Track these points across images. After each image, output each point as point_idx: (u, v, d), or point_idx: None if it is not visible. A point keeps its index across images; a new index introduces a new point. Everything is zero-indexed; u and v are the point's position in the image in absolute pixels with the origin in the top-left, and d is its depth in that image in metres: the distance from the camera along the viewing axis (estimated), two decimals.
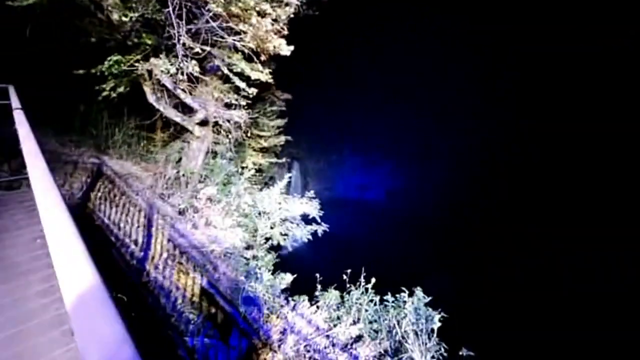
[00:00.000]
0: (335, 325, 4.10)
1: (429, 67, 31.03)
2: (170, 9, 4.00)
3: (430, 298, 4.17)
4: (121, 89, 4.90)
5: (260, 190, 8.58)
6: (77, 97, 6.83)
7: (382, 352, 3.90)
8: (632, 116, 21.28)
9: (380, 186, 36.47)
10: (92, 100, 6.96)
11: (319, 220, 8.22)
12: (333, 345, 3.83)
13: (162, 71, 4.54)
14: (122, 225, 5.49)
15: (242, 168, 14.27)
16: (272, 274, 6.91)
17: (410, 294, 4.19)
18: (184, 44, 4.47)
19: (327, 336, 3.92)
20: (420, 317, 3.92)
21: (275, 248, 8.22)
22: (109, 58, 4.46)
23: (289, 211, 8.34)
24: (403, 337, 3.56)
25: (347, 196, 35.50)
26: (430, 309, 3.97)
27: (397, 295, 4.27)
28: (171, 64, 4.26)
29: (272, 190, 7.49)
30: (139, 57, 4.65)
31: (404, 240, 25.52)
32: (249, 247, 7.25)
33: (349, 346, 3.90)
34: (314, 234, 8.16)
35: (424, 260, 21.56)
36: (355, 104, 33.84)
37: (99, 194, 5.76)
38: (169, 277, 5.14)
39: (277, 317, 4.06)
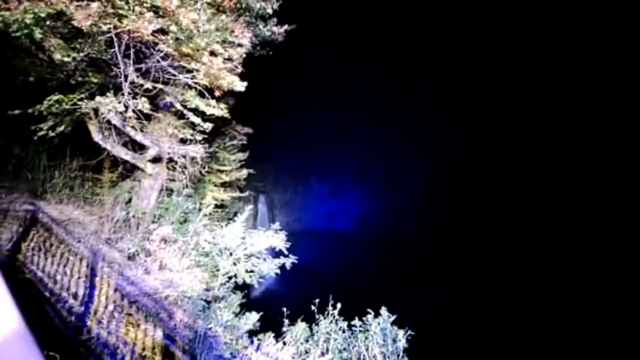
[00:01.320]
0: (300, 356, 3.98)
1: (396, 92, 33.21)
2: (117, 49, 4.10)
3: (395, 316, 4.27)
4: (61, 128, 4.71)
5: (225, 226, 8.34)
6: (11, 139, 6.36)
7: None
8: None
9: (349, 212, 36.89)
10: (28, 142, 6.51)
11: (287, 253, 8.11)
12: None
13: (109, 109, 4.49)
14: (58, 277, 4.95)
15: (202, 205, 13.81)
16: (238, 314, 6.56)
17: (377, 315, 4.25)
18: (132, 82, 4.51)
19: None
20: (387, 337, 3.97)
21: (242, 287, 7.86)
22: (49, 97, 4.32)
23: (254, 246, 8.15)
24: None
25: (316, 226, 35.31)
26: (396, 328, 4.04)
27: (364, 319, 4.30)
28: (119, 102, 4.25)
29: (234, 225, 7.32)
30: (83, 95, 4.57)
31: (376, 264, 25.66)
32: (209, 289, 6.86)
33: None
34: (284, 268, 7.99)
35: (397, 282, 21.73)
36: (321, 132, 34.60)
37: (32, 245, 5.20)
38: (115, 332, 4.66)
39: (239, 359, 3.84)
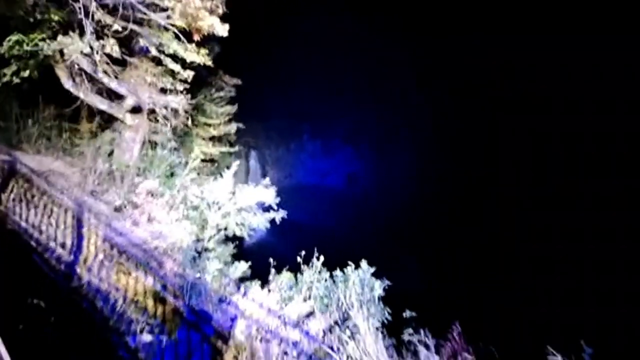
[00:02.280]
0: (286, 305, 4.29)
1: (391, 55, 31.56)
2: None
3: (374, 269, 4.54)
4: (26, 74, 4.35)
5: (214, 180, 8.33)
6: None
7: (332, 323, 4.19)
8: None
9: (340, 171, 37.25)
10: None
11: (276, 208, 8.27)
12: (285, 323, 4.02)
13: (74, 52, 4.11)
14: (44, 228, 5.00)
15: (189, 159, 13.64)
16: (227, 264, 6.87)
17: (357, 267, 4.51)
18: (98, 22, 4.07)
19: (279, 316, 4.09)
20: (365, 286, 4.27)
21: (234, 239, 8.12)
22: (8, 38, 3.90)
23: (244, 200, 8.25)
24: (349, 307, 3.87)
25: (307, 182, 35.76)
26: (374, 279, 4.33)
27: (345, 270, 4.57)
28: (83, 43, 3.88)
29: (222, 180, 7.32)
30: (44, 35, 4.14)
31: (363, 222, 26.67)
32: (199, 240, 7.07)
33: (300, 323, 4.12)
34: (275, 223, 8.18)
35: (383, 242, 22.86)
36: (314, 90, 33.41)
37: (12, 196, 5.14)
38: (107, 278, 4.86)
39: (228, 305, 4.12)
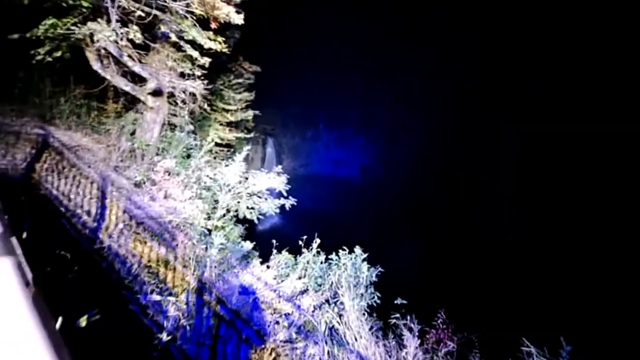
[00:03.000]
0: (283, 281, 4.61)
1: (403, 49, 31.08)
2: None
3: (367, 254, 4.77)
4: (58, 54, 4.77)
5: (226, 165, 8.73)
6: (15, 64, 6.44)
7: (323, 301, 4.48)
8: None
9: (354, 161, 37.25)
10: (31, 68, 6.60)
11: (286, 194, 8.60)
12: (279, 297, 4.34)
13: (105, 36, 4.47)
14: (72, 196, 5.53)
15: (205, 142, 14.19)
16: (234, 242, 7.28)
17: (351, 252, 4.76)
18: (123, 8, 4.39)
19: (275, 290, 4.42)
20: (357, 271, 4.51)
21: (245, 222, 8.54)
22: (43, 22, 4.30)
23: (256, 185, 8.62)
24: (338, 287, 4.13)
25: (322, 171, 36.05)
26: (366, 264, 4.56)
27: (339, 254, 4.83)
28: (110, 30, 4.21)
29: (233, 164, 7.68)
30: (76, 20, 4.52)
31: (374, 213, 26.76)
32: (209, 218, 7.51)
33: (294, 298, 4.43)
34: (288, 210, 8.48)
35: (392, 231, 22.95)
36: (329, 80, 33.44)
37: (46, 166, 5.69)
38: (125, 245, 5.35)
39: (227, 275, 4.48)
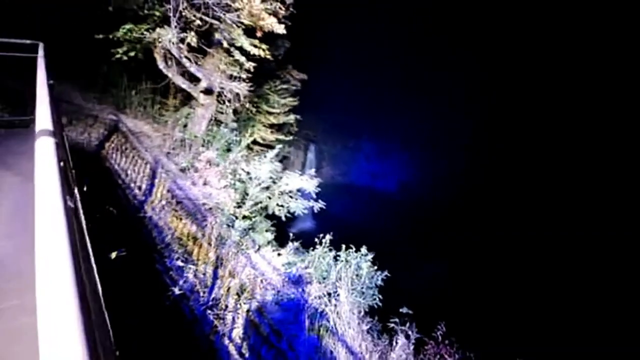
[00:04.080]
0: (289, 268, 4.93)
1: (446, 62, 30.13)
2: None
3: (373, 254, 4.89)
4: (132, 54, 5.76)
5: (258, 161, 9.41)
6: (100, 58, 7.82)
7: (326, 293, 4.69)
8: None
9: (392, 176, 36.51)
10: (113, 63, 7.94)
11: (316, 197, 9.02)
12: (284, 280, 4.67)
13: (168, 40, 5.32)
14: (129, 172, 6.52)
15: (251, 142, 15.19)
16: (256, 231, 7.80)
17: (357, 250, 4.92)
18: (184, 17, 5.21)
19: (280, 274, 4.76)
20: (361, 269, 4.66)
21: (280, 224, 9.10)
22: (123, 26, 5.28)
23: (288, 185, 9.16)
24: (337, 280, 4.33)
25: (360, 182, 35.94)
26: (374, 267, 4.69)
27: (346, 252, 5.01)
28: (173, 35, 5.03)
29: (264, 160, 8.29)
30: (149, 26, 5.45)
31: (408, 229, 25.93)
32: (239, 207, 8.16)
33: (300, 284, 4.72)
34: (324, 216, 8.82)
35: (427, 250, 22.08)
36: (377, 94, 33.51)
37: (113, 145, 6.79)
38: (164, 218, 6.14)
39: (241, 255, 4.94)
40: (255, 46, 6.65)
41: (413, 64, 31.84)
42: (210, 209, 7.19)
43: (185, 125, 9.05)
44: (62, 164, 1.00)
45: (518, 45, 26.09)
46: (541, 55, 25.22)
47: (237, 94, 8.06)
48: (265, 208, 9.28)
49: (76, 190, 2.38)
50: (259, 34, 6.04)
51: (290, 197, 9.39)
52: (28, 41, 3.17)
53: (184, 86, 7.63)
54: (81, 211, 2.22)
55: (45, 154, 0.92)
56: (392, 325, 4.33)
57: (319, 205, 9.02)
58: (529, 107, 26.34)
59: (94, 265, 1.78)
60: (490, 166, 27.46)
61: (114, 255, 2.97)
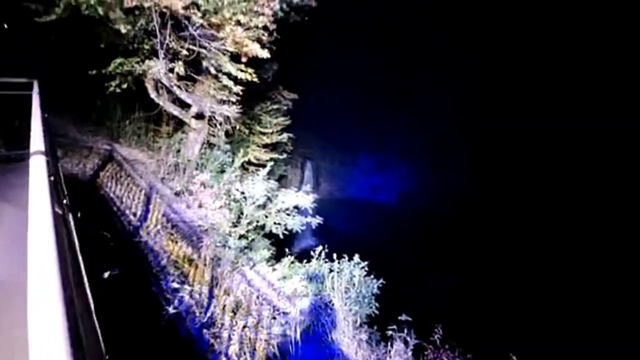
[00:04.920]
0: (285, 282, 4.99)
1: (444, 68, 30.89)
2: (155, 22, 5.10)
3: (367, 262, 4.98)
4: (125, 86, 6.07)
5: (252, 180, 9.59)
6: (94, 93, 8.17)
7: (321, 305, 4.74)
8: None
9: (391, 187, 36.63)
10: (107, 96, 8.29)
11: (315, 214, 9.16)
12: (279, 294, 4.73)
13: (157, 71, 5.65)
14: (124, 199, 6.67)
15: (246, 162, 15.43)
16: (251, 250, 7.87)
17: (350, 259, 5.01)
18: (172, 49, 5.56)
19: (275, 289, 4.82)
20: (354, 278, 4.74)
21: (281, 242, 9.19)
22: (114, 60, 5.61)
23: (285, 203, 9.30)
24: (331, 289, 4.40)
25: (359, 196, 35.99)
26: (370, 276, 4.78)
27: (339, 261, 5.10)
28: (162, 66, 5.35)
29: (257, 178, 8.48)
30: (139, 59, 5.79)
31: (411, 241, 25.80)
32: (235, 226, 8.26)
33: (292, 297, 4.77)
34: (324, 232, 8.93)
35: (429, 260, 21.91)
36: (372, 107, 33.98)
37: (107, 174, 6.98)
38: (159, 242, 6.24)
39: (237, 272, 5.01)
40: (242, 70, 7.00)
41: (408, 74, 32.54)
42: (206, 230, 7.28)
43: (178, 150, 9.30)
44: (52, 178, 1.17)
45: (516, 50, 26.78)
46: (539, 58, 25.84)
47: (228, 117, 8.37)
48: (263, 227, 9.36)
49: (66, 201, 2.53)
50: (244, 59, 6.39)
51: (287, 214, 9.51)
52: (23, 79, 3.42)
53: (175, 113, 7.94)
54: (72, 223, 2.36)
55: (37, 168, 1.08)
56: (391, 332, 4.36)
57: (316, 220, 9.14)
58: (529, 115, 26.80)
59: (85, 277, 1.90)
60: (491, 173, 27.69)
61: (106, 274, 3.07)
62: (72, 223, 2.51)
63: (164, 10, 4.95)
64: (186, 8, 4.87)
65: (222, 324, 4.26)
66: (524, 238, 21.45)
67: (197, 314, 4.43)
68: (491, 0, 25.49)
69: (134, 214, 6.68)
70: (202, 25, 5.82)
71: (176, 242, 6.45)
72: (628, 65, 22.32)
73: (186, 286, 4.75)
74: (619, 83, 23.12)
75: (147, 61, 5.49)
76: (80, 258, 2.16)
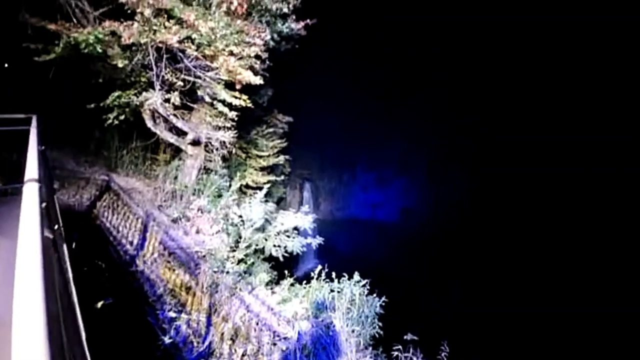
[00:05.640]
0: (285, 305, 4.90)
1: (439, 83, 31.56)
2: (150, 56, 5.36)
3: (367, 280, 4.92)
4: (123, 117, 6.26)
5: (249, 203, 9.62)
6: (92, 125, 8.38)
7: (322, 327, 4.63)
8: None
9: (393, 203, 36.35)
10: (105, 128, 8.50)
11: (316, 235, 9.13)
12: (279, 318, 4.62)
13: (152, 102, 5.85)
14: (120, 228, 6.67)
15: (244, 186, 15.48)
16: (252, 274, 7.76)
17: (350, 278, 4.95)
18: (168, 80, 5.79)
19: (275, 313, 4.72)
20: (355, 297, 4.67)
21: (282, 266, 9.11)
22: (112, 94, 5.83)
23: (284, 225, 9.28)
24: (332, 310, 4.31)
25: (360, 215, 35.68)
26: (373, 295, 4.69)
27: (339, 280, 5.03)
28: (155, 97, 5.56)
29: (254, 201, 8.51)
30: (136, 91, 6.02)
31: (415, 258, 25.36)
32: (233, 250, 8.18)
33: (292, 321, 4.66)
34: (326, 254, 8.90)
35: (434, 278, 21.47)
36: (367, 122, 34.10)
37: (104, 204, 7.01)
38: (156, 271, 6.17)
39: (235, 298, 4.93)
40: (236, 97, 7.24)
41: (402, 90, 33.03)
42: (204, 256, 7.20)
43: (175, 177, 9.39)
44: (44, 204, 1.22)
45: (510, 62, 27.54)
46: (535, 69, 26.53)
47: (224, 142, 8.54)
48: (262, 250, 9.27)
49: (61, 231, 2.55)
50: (238, 87, 6.64)
51: (287, 236, 9.45)
52: (22, 115, 3.55)
53: (172, 140, 8.10)
54: (66, 254, 2.38)
55: (29, 196, 1.13)
56: (396, 353, 4.24)
57: (317, 241, 9.08)
58: (528, 126, 27.17)
59: (77, 307, 1.90)
60: (493, 183, 27.68)
61: (100, 304, 3.02)
62: (66, 254, 2.52)
63: (160, 45, 5.22)
64: (181, 42, 5.13)
65: (221, 353, 4.13)
66: (527, 251, 21.18)
67: (195, 344, 4.31)
68: (481, 15, 26.58)
69: (131, 243, 6.65)
70: (196, 57, 6.10)
71: (173, 270, 6.37)
72: (619, 79, 23.06)
73: (183, 315, 4.65)
74: (614, 95, 23.76)
75: (144, 93, 5.70)
76: (72, 288, 2.16)
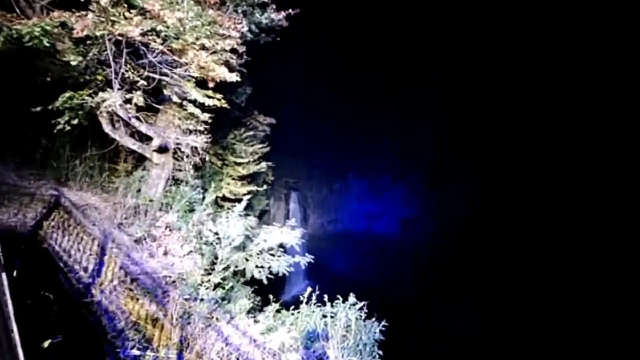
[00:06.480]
0: (270, 334, 4.83)
1: (431, 87, 32.43)
2: (108, 51, 5.31)
3: (364, 303, 4.91)
4: (76, 122, 6.13)
5: (226, 217, 9.50)
6: (38, 132, 8.16)
7: (314, 358, 4.58)
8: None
9: (391, 214, 36.37)
10: (54, 135, 8.28)
11: (304, 252, 9.06)
12: (263, 351, 4.54)
13: (112, 103, 5.77)
14: (72, 252, 6.45)
15: (220, 198, 15.32)
16: (229, 301, 7.63)
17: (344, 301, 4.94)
18: (128, 78, 5.74)
19: (258, 345, 4.64)
20: (351, 322, 4.65)
21: (269, 289, 8.96)
22: (62, 95, 5.72)
23: (267, 242, 9.18)
24: (325, 339, 4.28)
25: (355, 228, 35.49)
26: (372, 319, 4.69)
27: (333, 304, 5.01)
28: (117, 97, 5.49)
29: (232, 215, 8.41)
30: (91, 91, 5.92)
31: (416, 275, 25.44)
32: (209, 274, 8.02)
33: (279, 353, 4.59)
34: (319, 275, 8.84)
35: (436, 296, 21.60)
36: (359, 127, 34.38)
37: (53, 223, 6.79)
38: (116, 301, 5.98)
39: (211, 329, 4.82)
40: (209, 96, 7.22)
41: (393, 93, 33.71)
42: (174, 281, 7.04)
43: (139, 190, 9.19)
44: None
45: (505, 69, 28.79)
46: (531, 76, 27.83)
47: (196, 148, 8.47)
48: (243, 272, 9.14)
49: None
50: (211, 85, 6.64)
51: (272, 255, 9.35)
52: None
53: (134, 147, 7.97)
54: (5, 284, 2.28)
55: None
56: None
57: (306, 260, 9.02)
58: (524, 132, 28.18)
59: (19, 348, 1.83)
60: (491, 190, 28.40)
61: (47, 343, 2.89)
62: (5, 284, 2.43)
63: (119, 38, 5.18)
64: (144, 35, 5.12)
65: None
66: (531, 261, 21.73)
67: None
68: (475, 19, 27.79)
69: (85, 269, 6.43)
70: (162, 52, 6.08)
71: (137, 300, 6.19)
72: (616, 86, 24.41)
73: (149, 352, 4.51)
74: (614, 97, 25.06)
75: (100, 93, 5.62)
76: (14, 325, 2.09)
